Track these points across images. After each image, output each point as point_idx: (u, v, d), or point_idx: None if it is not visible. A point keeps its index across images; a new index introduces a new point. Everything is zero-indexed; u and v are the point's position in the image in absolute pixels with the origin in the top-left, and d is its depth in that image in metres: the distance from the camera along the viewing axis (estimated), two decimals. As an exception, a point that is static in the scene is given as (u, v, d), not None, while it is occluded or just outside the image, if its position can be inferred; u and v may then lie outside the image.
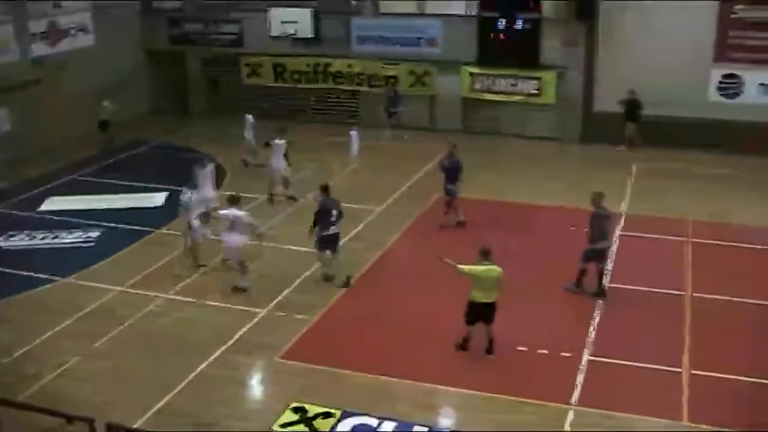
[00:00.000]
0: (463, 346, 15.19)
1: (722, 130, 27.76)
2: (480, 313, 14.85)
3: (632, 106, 28.05)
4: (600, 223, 17.29)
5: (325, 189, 18.39)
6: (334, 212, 17.98)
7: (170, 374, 14.50)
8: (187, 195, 18.99)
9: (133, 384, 14.27)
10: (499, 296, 14.81)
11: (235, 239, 17.79)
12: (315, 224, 18.02)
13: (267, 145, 23.76)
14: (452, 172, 21.28)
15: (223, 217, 17.86)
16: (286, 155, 23.39)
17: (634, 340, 15.70)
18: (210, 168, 21.98)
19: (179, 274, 18.74)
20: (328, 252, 18.27)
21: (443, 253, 15.13)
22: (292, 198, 23.61)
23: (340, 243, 18.44)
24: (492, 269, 14.61)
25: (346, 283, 18.09)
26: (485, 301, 14.72)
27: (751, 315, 16.74)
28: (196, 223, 18.89)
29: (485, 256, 14.70)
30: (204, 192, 20.77)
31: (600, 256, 17.49)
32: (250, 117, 27.00)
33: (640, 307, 17.15)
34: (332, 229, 18.03)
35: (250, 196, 22.95)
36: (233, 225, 17.69)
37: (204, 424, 13.12)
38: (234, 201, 17.87)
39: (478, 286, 14.67)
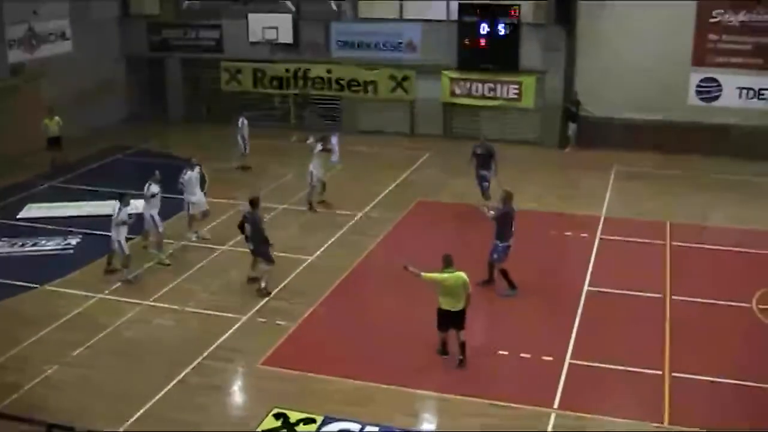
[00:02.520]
0: (443, 351, 15.14)
1: (701, 133, 27.97)
2: (448, 320, 14.78)
3: (570, 107, 29.08)
4: (511, 221, 17.71)
5: (252, 203, 18.13)
6: (248, 227, 18.00)
7: (150, 382, 14.42)
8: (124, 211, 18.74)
9: (112, 392, 14.15)
10: (471, 303, 14.71)
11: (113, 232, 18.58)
12: (241, 230, 18.25)
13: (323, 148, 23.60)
14: (485, 159, 22.54)
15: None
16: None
17: (615, 343, 15.74)
18: (196, 171, 21.45)
19: (162, 261, 19.54)
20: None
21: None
22: (324, 202, 23.57)
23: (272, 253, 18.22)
24: (456, 276, 14.52)
25: (262, 293, 17.91)
26: (451, 308, 14.65)
27: (729, 317, 16.85)
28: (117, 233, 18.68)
29: (448, 263, 14.61)
30: (193, 196, 21.01)
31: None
32: (244, 119, 27.11)
33: (620, 310, 17.21)
34: (248, 246, 18.39)
35: (233, 202, 22.95)
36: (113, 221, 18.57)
37: (185, 432, 13.08)
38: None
39: (443, 293, 14.64)
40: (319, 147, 23.26)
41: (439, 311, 14.78)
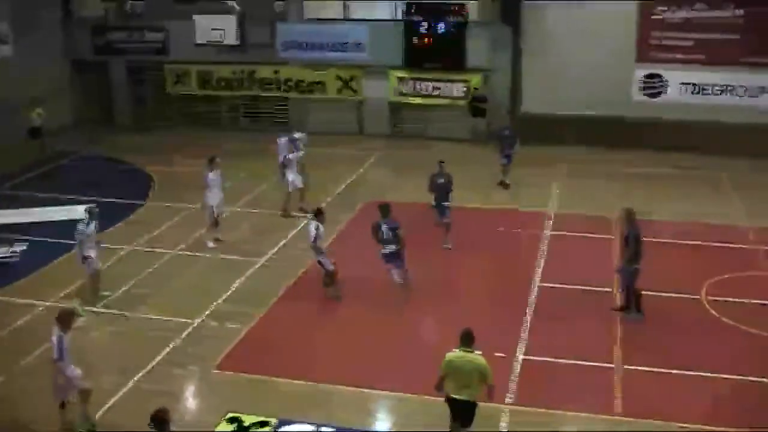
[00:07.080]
0: None
1: (645, 129, 28.32)
2: (454, 409, 11.92)
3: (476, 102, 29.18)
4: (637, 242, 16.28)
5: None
6: None
7: (101, 389, 14.20)
8: (83, 227, 17.44)
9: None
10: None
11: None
12: None
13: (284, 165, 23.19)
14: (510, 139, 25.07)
15: None
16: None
17: (566, 337, 15.82)
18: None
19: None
20: None
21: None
22: (303, 210, 22.73)
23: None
24: (467, 359, 11.59)
25: None
26: (455, 395, 11.78)
27: (680, 308, 17.06)
28: (92, 253, 17.56)
29: (466, 341, 11.68)
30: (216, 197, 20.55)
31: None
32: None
33: (572, 304, 17.34)
34: None
35: (182, 205, 22.75)
36: None
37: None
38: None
39: (449, 376, 11.74)
40: (290, 156, 23.06)
41: (447, 399, 11.95)
